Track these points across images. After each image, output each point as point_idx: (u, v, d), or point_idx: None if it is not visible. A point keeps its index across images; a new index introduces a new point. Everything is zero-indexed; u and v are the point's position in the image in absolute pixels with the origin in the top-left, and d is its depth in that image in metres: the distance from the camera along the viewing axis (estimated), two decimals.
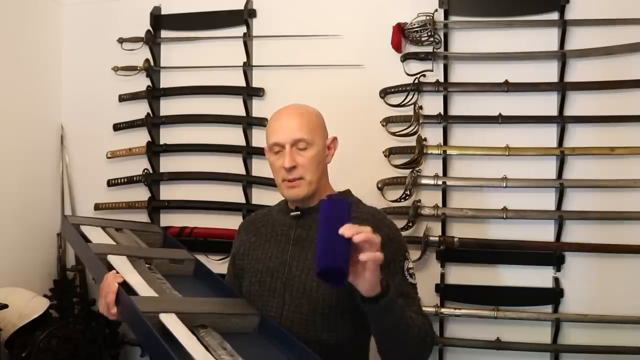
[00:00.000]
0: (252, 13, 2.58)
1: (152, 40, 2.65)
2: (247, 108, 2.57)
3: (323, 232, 1.22)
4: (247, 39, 2.55)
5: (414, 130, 2.36)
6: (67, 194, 2.81)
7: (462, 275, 2.38)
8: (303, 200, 1.56)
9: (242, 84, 2.58)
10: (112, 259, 1.57)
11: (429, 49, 2.37)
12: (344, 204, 1.26)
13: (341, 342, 1.51)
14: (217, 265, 2.47)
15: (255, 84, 2.59)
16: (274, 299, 1.53)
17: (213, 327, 1.35)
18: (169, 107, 2.70)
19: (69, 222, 1.81)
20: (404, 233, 2.10)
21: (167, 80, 2.70)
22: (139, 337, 1.47)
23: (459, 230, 2.37)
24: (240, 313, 1.46)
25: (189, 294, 1.53)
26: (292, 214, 1.59)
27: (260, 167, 2.58)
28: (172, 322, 1.30)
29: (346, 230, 1.17)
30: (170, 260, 1.70)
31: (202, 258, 2.43)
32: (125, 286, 1.43)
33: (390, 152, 2.40)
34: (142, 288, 1.45)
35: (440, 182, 2.35)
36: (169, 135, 2.70)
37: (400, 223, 2.15)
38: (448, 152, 2.36)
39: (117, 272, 1.48)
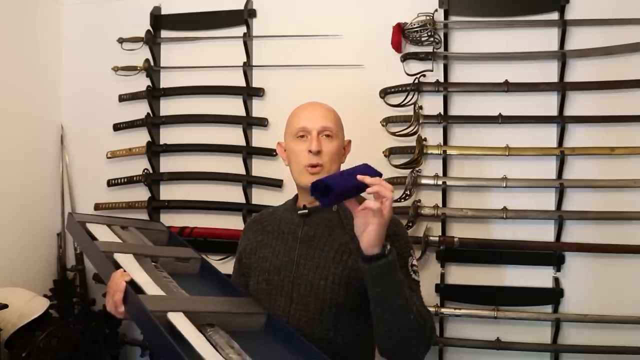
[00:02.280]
0: (252, 13, 2.58)
1: (152, 40, 2.65)
2: (247, 108, 2.57)
3: (350, 169, 1.33)
4: (247, 39, 2.55)
5: (414, 130, 2.37)
6: (67, 194, 2.81)
7: (462, 275, 2.39)
8: None
9: (242, 84, 2.58)
10: (119, 257, 1.57)
11: (429, 49, 2.38)
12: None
13: (347, 341, 1.52)
14: (218, 265, 2.45)
15: (255, 84, 2.59)
16: (282, 297, 1.53)
17: (220, 326, 1.35)
18: (169, 107, 2.70)
19: (74, 220, 1.80)
20: None
21: (167, 80, 2.70)
22: (147, 336, 1.47)
23: (459, 230, 2.37)
24: (247, 312, 1.47)
25: (195, 292, 1.53)
26: (299, 212, 1.59)
27: (260, 167, 2.58)
28: (180, 321, 1.30)
29: (364, 176, 1.29)
30: (176, 259, 1.70)
31: None
32: (132, 285, 1.43)
33: (390, 152, 2.40)
34: (150, 287, 1.45)
35: (440, 182, 2.35)
36: (169, 135, 2.70)
37: None
38: (448, 152, 2.37)
39: (125, 271, 1.48)
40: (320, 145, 1.54)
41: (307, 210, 1.58)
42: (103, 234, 1.76)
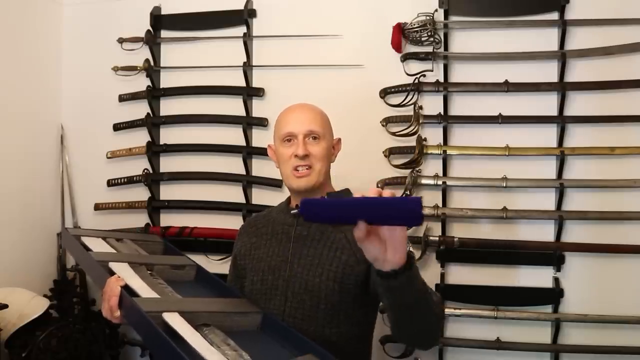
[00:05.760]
0: (252, 13, 2.58)
1: (152, 40, 2.65)
2: (247, 108, 2.57)
3: (354, 201, 1.09)
4: (247, 39, 2.55)
5: (414, 130, 2.36)
6: (67, 194, 2.81)
7: (462, 275, 2.39)
8: (310, 191, 1.58)
9: (242, 84, 2.58)
10: (114, 266, 1.58)
11: (429, 49, 2.37)
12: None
13: (343, 338, 1.52)
14: (217, 265, 2.48)
15: (255, 84, 2.59)
16: (277, 297, 1.54)
17: (216, 325, 1.36)
18: (169, 107, 2.70)
19: (69, 234, 1.82)
20: None
21: (167, 80, 2.70)
22: (144, 337, 1.47)
23: (459, 230, 2.37)
24: (242, 311, 1.47)
25: (190, 296, 1.53)
26: (292, 212, 1.59)
27: (260, 167, 2.58)
28: (175, 321, 1.30)
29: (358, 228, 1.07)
30: (171, 266, 1.70)
31: (202, 258, 2.44)
32: (127, 290, 1.43)
33: (390, 152, 2.40)
34: (145, 291, 1.45)
35: (440, 182, 2.35)
36: (169, 135, 2.70)
37: None
38: (448, 152, 2.36)
39: (119, 276, 1.48)
40: (307, 149, 1.56)
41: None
42: (98, 246, 1.78)
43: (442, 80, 2.37)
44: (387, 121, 2.41)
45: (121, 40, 2.70)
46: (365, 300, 1.53)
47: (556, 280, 2.30)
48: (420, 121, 2.37)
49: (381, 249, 1.10)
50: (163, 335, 1.20)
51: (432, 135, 2.40)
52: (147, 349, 2.59)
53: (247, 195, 2.57)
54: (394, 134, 2.38)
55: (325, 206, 1.11)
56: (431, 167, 2.40)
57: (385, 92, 2.41)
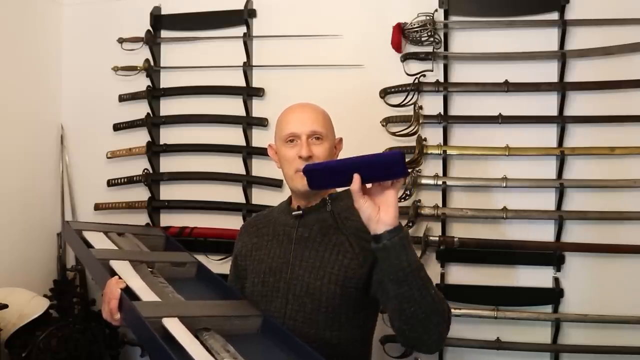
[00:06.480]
0: (252, 13, 2.58)
1: (152, 40, 2.65)
2: (247, 108, 2.57)
3: (354, 159, 1.26)
4: (247, 39, 2.55)
5: (414, 130, 2.36)
6: (67, 194, 2.81)
7: (462, 275, 2.39)
8: (314, 192, 1.56)
9: (242, 84, 2.58)
10: (115, 264, 1.57)
11: (429, 49, 2.38)
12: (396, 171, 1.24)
13: (344, 342, 1.52)
14: (217, 265, 2.48)
15: (255, 84, 2.59)
16: (278, 299, 1.53)
17: (216, 329, 1.35)
18: (169, 107, 2.70)
19: (71, 228, 1.81)
20: None
21: (167, 80, 2.70)
22: (143, 342, 1.48)
23: (459, 230, 2.37)
24: (242, 315, 1.46)
25: (191, 296, 1.53)
26: (294, 213, 1.59)
27: (260, 167, 2.58)
28: (174, 327, 1.29)
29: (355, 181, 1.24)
30: (172, 264, 1.70)
31: (201, 258, 2.43)
32: (127, 291, 1.43)
33: None
34: (145, 293, 1.45)
35: (440, 182, 2.35)
36: (169, 135, 2.70)
37: None
38: (448, 152, 2.36)
39: (120, 278, 1.48)
40: (311, 150, 1.53)
41: (301, 212, 1.59)
42: (99, 241, 1.77)
43: (442, 80, 2.37)
44: (387, 121, 2.41)
45: (121, 40, 2.70)
46: (365, 304, 1.53)
47: (556, 280, 2.30)
48: (420, 121, 2.37)
49: (375, 209, 1.25)
50: (161, 343, 1.20)
51: (432, 135, 2.40)
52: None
53: (247, 195, 2.57)
54: (394, 134, 2.38)
55: (325, 169, 1.34)
56: (431, 167, 2.40)
57: (385, 92, 2.42)
